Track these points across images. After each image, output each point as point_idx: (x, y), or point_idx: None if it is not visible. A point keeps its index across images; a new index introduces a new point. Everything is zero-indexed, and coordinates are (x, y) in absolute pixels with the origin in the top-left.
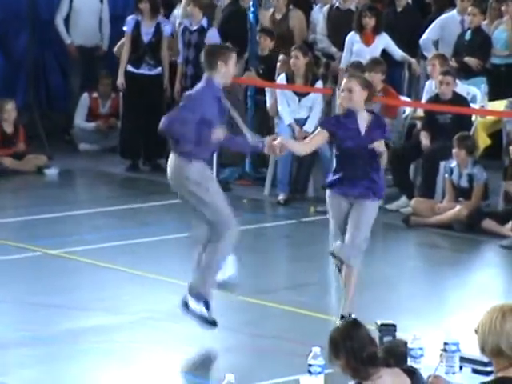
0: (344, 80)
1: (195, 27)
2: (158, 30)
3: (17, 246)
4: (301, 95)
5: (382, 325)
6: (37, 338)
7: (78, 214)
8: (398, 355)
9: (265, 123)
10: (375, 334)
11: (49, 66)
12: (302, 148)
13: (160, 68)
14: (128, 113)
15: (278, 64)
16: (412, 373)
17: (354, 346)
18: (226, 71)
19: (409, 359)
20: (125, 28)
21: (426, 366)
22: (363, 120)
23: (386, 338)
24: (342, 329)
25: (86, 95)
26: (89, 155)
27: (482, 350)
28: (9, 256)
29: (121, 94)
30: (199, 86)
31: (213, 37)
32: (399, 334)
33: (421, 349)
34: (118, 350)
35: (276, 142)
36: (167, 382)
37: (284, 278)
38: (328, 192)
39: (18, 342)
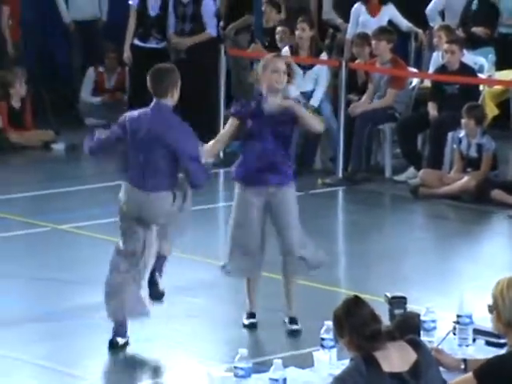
0: (278, 60)
1: None
2: (164, 3)
3: (25, 221)
4: (305, 68)
5: (392, 298)
6: (48, 313)
7: (86, 188)
8: (411, 328)
9: None
10: (385, 308)
11: (54, 40)
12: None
13: (166, 42)
14: (135, 87)
15: (277, 36)
16: (417, 344)
17: (357, 324)
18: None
19: (421, 332)
20: (130, 1)
21: (439, 338)
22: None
23: (397, 311)
24: (344, 307)
25: (91, 70)
26: (95, 130)
27: (508, 324)
28: (18, 231)
29: (127, 67)
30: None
31: (208, 6)
32: (410, 307)
33: (433, 321)
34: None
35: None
36: (178, 357)
37: None
38: None
39: (30, 317)
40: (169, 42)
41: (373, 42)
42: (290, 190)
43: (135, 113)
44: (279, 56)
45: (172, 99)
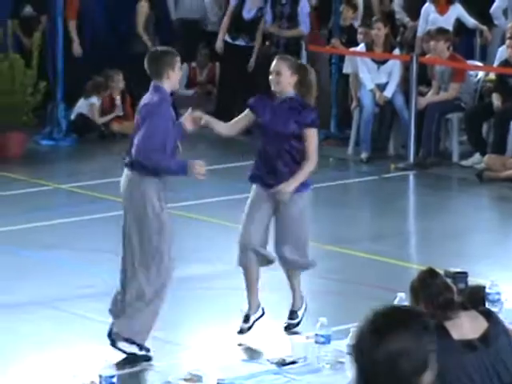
0: (274, 62)
1: None
2: (258, 12)
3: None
4: (380, 63)
5: (455, 273)
6: None
7: None
8: (477, 300)
9: (347, 89)
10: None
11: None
12: (225, 129)
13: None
14: (224, 79)
15: (359, 36)
16: (488, 314)
17: (431, 293)
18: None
19: (487, 303)
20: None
21: (504, 310)
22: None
23: (460, 285)
24: (420, 278)
25: (185, 65)
26: None
27: None
28: (110, 213)
29: (217, 63)
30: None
31: (304, 7)
32: (475, 280)
33: (498, 293)
34: (216, 296)
35: (195, 114)
36: (263, 324)
37: (367, 229)
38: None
39: None
40: (258, 43)
41: (431, 43)
42: None
43: None
44: (278, 58)
45: (168, 81)
